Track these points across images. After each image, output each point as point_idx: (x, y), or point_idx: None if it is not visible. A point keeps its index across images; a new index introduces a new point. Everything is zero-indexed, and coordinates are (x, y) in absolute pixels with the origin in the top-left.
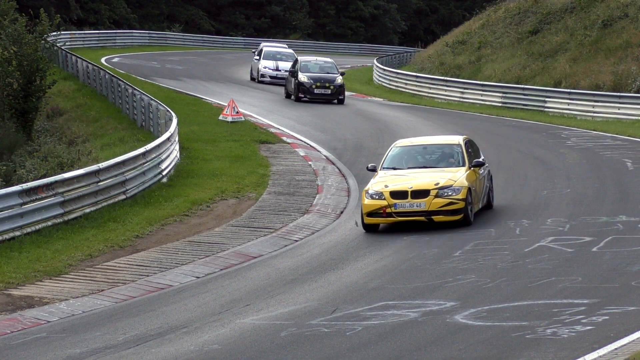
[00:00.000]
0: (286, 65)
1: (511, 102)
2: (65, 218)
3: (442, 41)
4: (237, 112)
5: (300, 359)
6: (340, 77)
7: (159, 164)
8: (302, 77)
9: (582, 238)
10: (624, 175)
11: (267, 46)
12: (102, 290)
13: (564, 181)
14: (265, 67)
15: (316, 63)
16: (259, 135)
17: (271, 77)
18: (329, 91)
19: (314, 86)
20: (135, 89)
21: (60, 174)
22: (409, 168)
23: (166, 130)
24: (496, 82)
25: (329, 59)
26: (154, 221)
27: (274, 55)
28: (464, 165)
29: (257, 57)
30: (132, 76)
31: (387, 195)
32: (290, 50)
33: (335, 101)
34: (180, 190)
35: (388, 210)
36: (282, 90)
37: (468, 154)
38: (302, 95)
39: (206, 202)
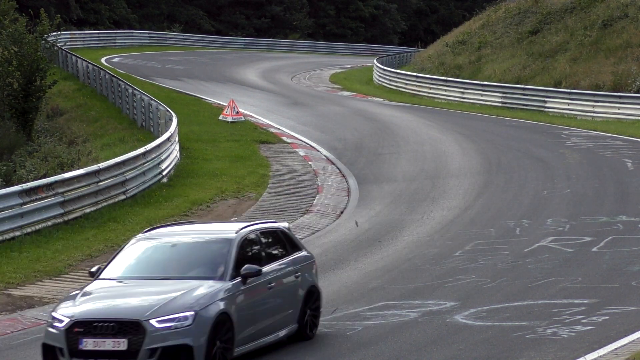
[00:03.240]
0: None
1: (511, 102)
2: (65, 218)
3: (442, 41)
4: (237, 112)
5: (301, 358)
6: None
7: (159, 164)
8: None
9: (582, 238)
10: (624, 175)
11: None
12: None
13: (564, 181)
14: None
15: None
16: (259, 135)
17: None
18: None
19: None
20: (135, 89)
21: (60, 174)
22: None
23: (166, 130)
24: (496, 82)
25: None
26: (154, 221)
27: None
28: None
29: None
30: (132, 76)
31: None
32: None
33: None
34: (180, 190)
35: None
36: (281, 90)
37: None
38: None
39: (206, 202)
